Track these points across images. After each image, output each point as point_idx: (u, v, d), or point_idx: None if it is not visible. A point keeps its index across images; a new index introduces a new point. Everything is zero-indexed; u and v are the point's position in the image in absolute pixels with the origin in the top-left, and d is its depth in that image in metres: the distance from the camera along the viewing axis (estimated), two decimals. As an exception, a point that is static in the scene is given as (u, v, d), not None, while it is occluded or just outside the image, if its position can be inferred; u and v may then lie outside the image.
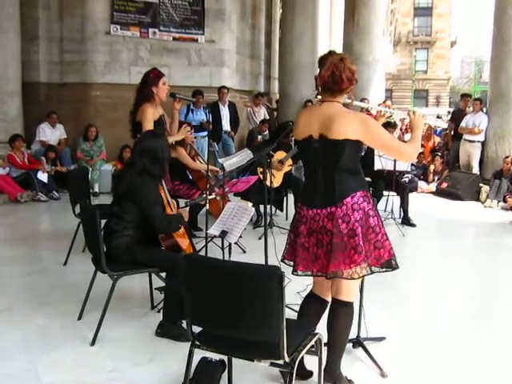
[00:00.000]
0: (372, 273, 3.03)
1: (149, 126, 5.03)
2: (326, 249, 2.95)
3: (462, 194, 9.96)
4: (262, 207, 6.39)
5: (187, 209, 4.39)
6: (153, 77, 5.19)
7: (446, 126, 10.98)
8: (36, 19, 10.66)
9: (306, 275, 3.10)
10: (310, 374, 3.19)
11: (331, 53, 3.08)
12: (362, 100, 10.96)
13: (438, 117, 14.75)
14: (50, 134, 10.38)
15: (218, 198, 5.95)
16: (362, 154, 6.93)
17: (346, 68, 2.97)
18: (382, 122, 3.46)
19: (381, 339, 3.86)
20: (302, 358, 3.06)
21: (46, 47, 10.80)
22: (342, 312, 3.09)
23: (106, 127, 10.45)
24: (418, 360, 3.64)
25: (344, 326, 3.10)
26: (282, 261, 3.23)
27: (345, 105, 3.13)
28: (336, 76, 2.97)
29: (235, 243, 5.10)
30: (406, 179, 8.61)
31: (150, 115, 5.07)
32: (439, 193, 10.52)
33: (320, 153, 3.01)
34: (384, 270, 3.06)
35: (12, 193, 8.91)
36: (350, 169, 3.00)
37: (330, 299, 3.22)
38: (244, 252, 5.98)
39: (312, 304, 3.23)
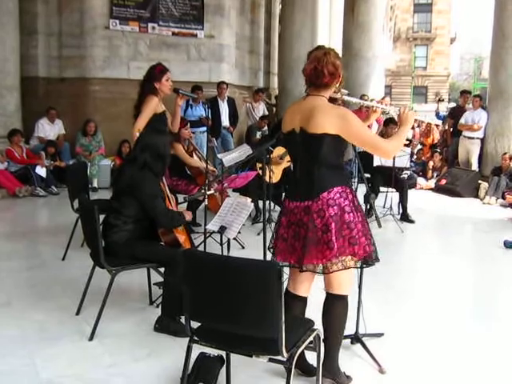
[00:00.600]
0: (344, 268, 3.00)
1: (147, 114, 5.02)
2: (302, 242, 2.97)
3: (461, 190, 9.95)
4: (260, 203, 6.40)
5: (187, 208, 4.39)
6: (157, 72, 5.18)
7: (439, 122, 10.93)
8: (35, 14, 10.61)
9: (283, 266, 3.09)
10: (313, 368, 3.13)
11: (319, 47, 3.08)
12: (362, 96, 10.95)
13: (439, 100, 14.62)
14: (49, 129, 10.37)
15: (216, 193, 5.95)
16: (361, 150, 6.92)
17: (329, 62, 2.96)
18: (375, 118, 3.41)
19: (379, 335, 3.86)
20: (304, 353, 3.07)
21: (45, 42, 10.76)
22: (334, 305, 3.10)
23: (104, 122, 10.44)
24: (416, 356, 3.64)
25: (338, 320, 3.11)
26: (268, 248, 3.27)
27: (333, 100, 3.12)
28: (318, 70, 2.97)
29: (234, 239, 5.09)
30: (405, 175, 8.59)
31: (153, 106, 5.05)
32: (438, 189, 10.51)
33: (301, 146, 3.04)
34: (359, 266, 3.01)
35: (10, 187, 8.90)
36: (330, 164, 2.99)
37: (305, 294, 3.23)
38: (243, 247, 5.98)
39: (289, 301, 3.18)
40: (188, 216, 4.20)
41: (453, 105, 14.26)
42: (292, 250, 3.04)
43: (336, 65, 2.98)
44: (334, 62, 2.97)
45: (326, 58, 2.96)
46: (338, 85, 3.09)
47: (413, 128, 13.87)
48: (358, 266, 3.02)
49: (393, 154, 3.15)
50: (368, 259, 3.04)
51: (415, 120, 3.37)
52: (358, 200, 3.08)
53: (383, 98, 12.29)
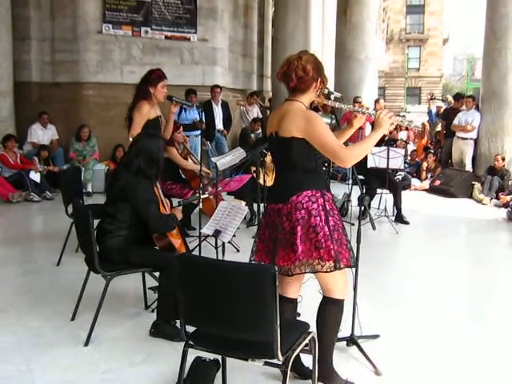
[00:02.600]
0: (306, 272, 3.02)
1: (140, 121, 5.04)
2: (274, 243, 3.00)
3: (455, 191, 9.98)
4: (255, 205, 6.40)
5: (180, 208, 4.39)
6: (154, 77, 5.18)
7: (420, 127, 10.90)
8: (27, 19, 10.60)
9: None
10: (309, 371, 3.11)
11: (301, 51, 3.09)
12: (356, 98, 10.99)
13: (431, 98, 14.63)
14: (42, 134, 10.35)
15: (210, 197, 5.95)
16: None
17: (300, 67, 2.95)
18: (359, 123, 3.30)
19: (375, 337, 3.86)
20: (299, 356, 3.07)
21: (38, 47, 10.75)
22: (326, 308, 3.10)
23: (98, 127, 10.43)
24: (412, 358, 3.65)
25: (329, 323, 3.10)
26: (252, 250, 3.28)
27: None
28: (287, 74, 2.99)
29: (229, 242, 5.09)
30: (400, 177, 8.62)
31: (145, 111, 5.06)
32: (432, 190, 10.54)
33: (277, 150, 3.11)
34: (328, 270, 2.94)
35: (4, 193, 8.88)
36: (302, 167, 3.01)
37: (294, 296, 3.24)
38: (238, 251, 5.97)
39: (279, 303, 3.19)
40: (179, 214, 4.20)
41: (442, 104, 14.24)
42: (268, 251, 3.08)
43: (306, 69, 2.96)
44: (304, 67, 2.95)
45: (296, 62, 2.96)
46: (318, 90, 3.08)
47: (406, 129, 13.90)
48: (327, 270, 2.95)
49: (351, 163, 2.99)
50: (336, 265, 2.94)
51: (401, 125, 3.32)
52: (334, 205, 3.05)
53: (378, 100, 12.32)
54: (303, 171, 3.01)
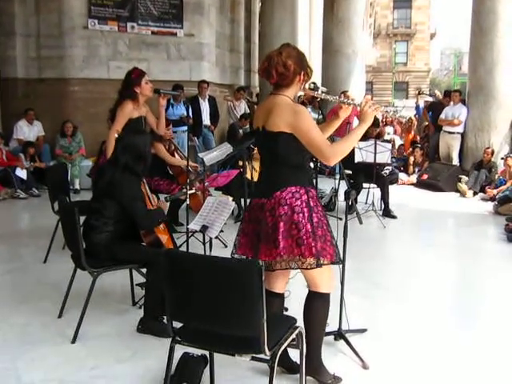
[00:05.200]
0: (286, 268, 3.03)
1: (121, 119, 5.09)
2: (257, 238, 3.01)
3: (443, 185, 10.02)
4: (243, 201, 6.39)
5: (169, 208, 4.39)
6: (135, 77, 5.21)
7: (405, 117, 10.92)
8: (12, 14, 10.51)
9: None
10: (297, 366, 3.11)
11: (283, 45, 3.06)
12: (343, 93, 10.99)
13: (419, 93, 14.66)
14: (28, 131, 10.27)
15: (198, 192, 5.93)
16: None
17: (280, 63, 2.93)
18: (345, 115, 3.29)
19: (362, 331, 3.88)
20: (287, 351, 3.08)
21: (23, 42, 10.67)
22: (313, 302, 3.10)
23: (85, 122, 10.36)
24: (399, 351, 3.66)
25: (316, 317, 3.10)
26: (234, 244, 3.28)
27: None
28: (267, 70, 2.98)
29: (216, 237, 5.08)
30: (387, 171, 8.64)
31: (128, 110, 5.10)
32: (420, 184, 10.57)
33: (263, 144, 3.10)
34: (305, 267, 2.95)
35: (-10, 190, 8.81)
36: (289, 162, 2.99)
37: (280, 290, 3.24)
38: (225, 246, 5.96)
39: (266, 298, 3.18)
40: (164, 207, 4.21)
41: (430, 99, 14.28)
42: (251, 246, 3.08)
43: (287, 65, 2.94)
44: (284, 63, 2.93)
45: (276, 59, 2.94)
46: (302, 83, 3.07)
47: (391, 123, 13.96)
48: (307, 267, 2.95)
49: (336, 160, 2.95)
50: (318, 262, 2.94)
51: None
52: (318, 201, 3.05)
53: (365, 95, 12.34)
54: (289, 166, 3.00)
